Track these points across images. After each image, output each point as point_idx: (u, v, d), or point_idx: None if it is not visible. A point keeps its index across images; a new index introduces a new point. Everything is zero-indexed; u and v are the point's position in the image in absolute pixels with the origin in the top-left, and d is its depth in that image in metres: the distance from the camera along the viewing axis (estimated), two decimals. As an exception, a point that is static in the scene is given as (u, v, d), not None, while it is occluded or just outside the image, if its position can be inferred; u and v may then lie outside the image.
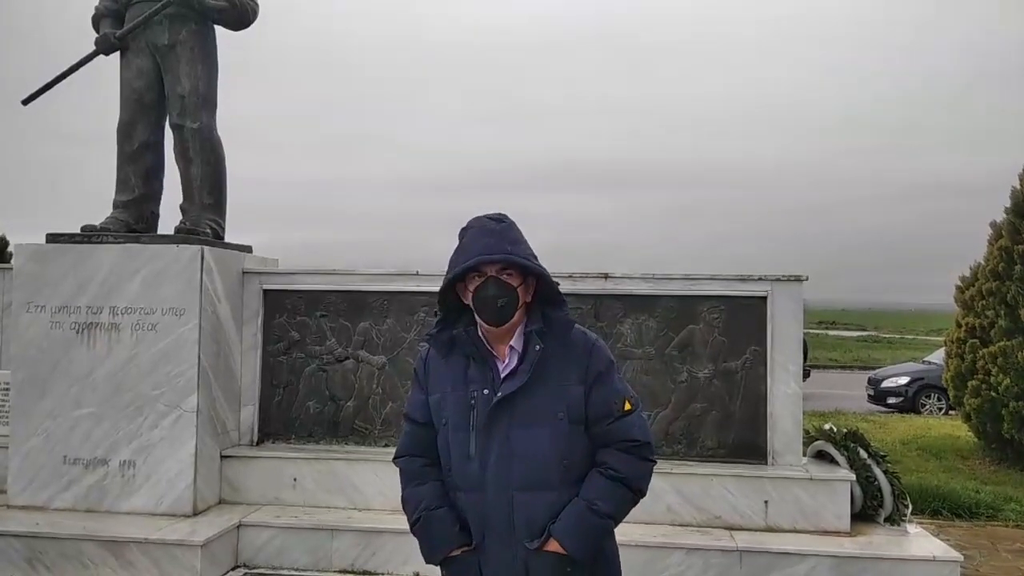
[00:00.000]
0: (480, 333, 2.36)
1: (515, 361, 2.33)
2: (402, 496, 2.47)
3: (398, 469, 2.51)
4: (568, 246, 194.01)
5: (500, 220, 2.36)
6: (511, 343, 2.35)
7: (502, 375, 2.32)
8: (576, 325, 2.41)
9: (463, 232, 2.36)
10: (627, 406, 2.35)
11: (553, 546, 2.24)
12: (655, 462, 2.40)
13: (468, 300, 2.33)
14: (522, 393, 2.27)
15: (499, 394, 2.27)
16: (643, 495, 2.37)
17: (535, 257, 2.34)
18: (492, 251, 2.26)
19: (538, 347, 2.29)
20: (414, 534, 2.40)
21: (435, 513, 2.35)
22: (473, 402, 2.30)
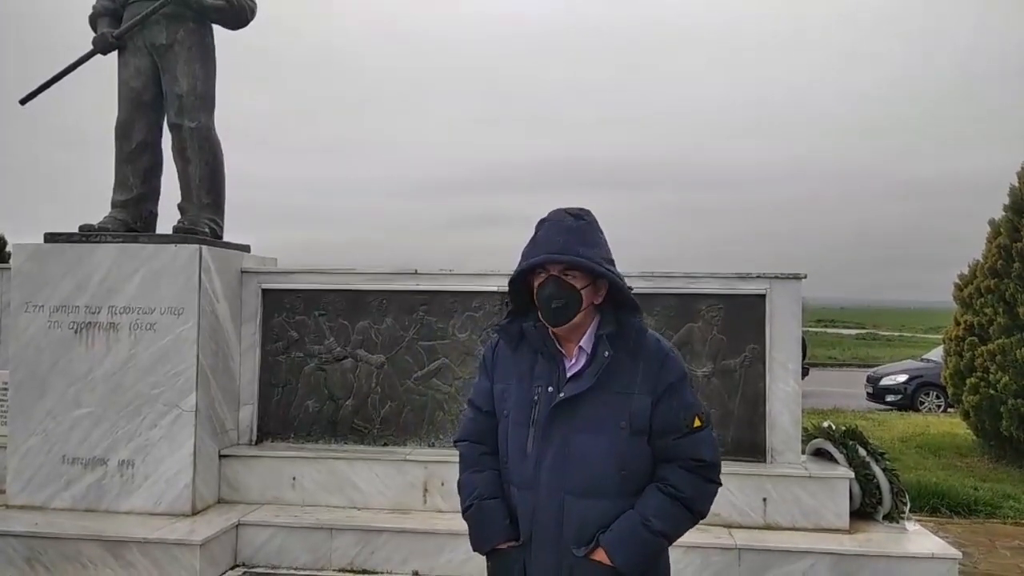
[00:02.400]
0: (550, 330, 2.31)
1: (582, 362, 2.27)
2: (458, 480, 2.45)
3: (458, 452, 2.48)
4: None
5: (579, 217, 2.28)
6: (580, 343, 2.29)
7: (568, 375, 2.27)
8: (650, 332, 2.34)
9: (540, 224, 2.30)
10: (697, 422, 2.25)
11: (600, 555, 2.18)
12: (720, 484, 2.31)
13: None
14: (585, 397, 2.21)
15: (562, 395, 2.23)
16: (703, 517, 2.29)
17: (609, 260, 2.26)
18: (560, 250, 2.19)
19: (607, 353, 2.23)
20: (465, 520, 2.39)
21: (487, 503, 2.33)
22: (536, 398, 2.26)
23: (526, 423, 2.26)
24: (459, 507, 2.45)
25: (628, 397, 2.23)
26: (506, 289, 2.37)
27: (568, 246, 2.20)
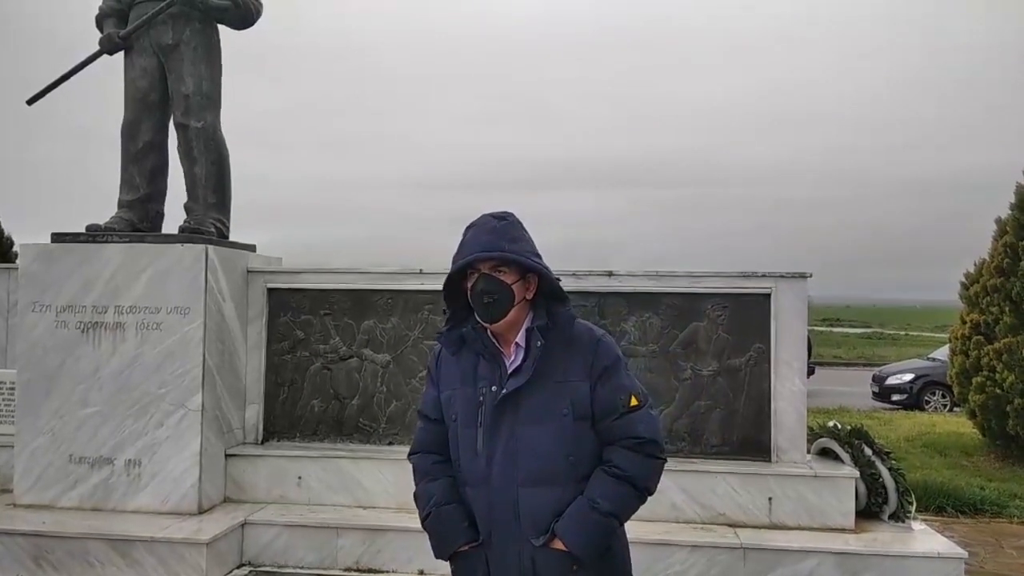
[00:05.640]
0: (489, 330, 2.37)
1: (520, 358, 2.34)
2: (414, 492, 2.49)
3: (411, 465, 2.52)
4: (577, 243, 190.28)
5: (502, 218, 2.37)
6: (516, 340, 2.36)
7: (508, 371, 2.33)
8: (579, 320, 2.42)
9: (466, 230, 2.38)
10: (633, 401, 2.32)
11: (559, 544, 2.24)
12: (664, 459, 2.37)
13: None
14: (526, 390, 2.28)
15: (504, 391, 2.29)
16: (651, 493, 2.35)
17: (536, 255, 2.34)
18: (487, 248, 2.28)
19: (539, 343, 2.30)
20: (424, 529, 2.42)
21: (445, 509, 2.37)
22: (481, 399, 2.32)
23: (473, 424, 2.33)
24: None
25: (568, 385, 2.30)
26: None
27: (494, 244, 2.28)
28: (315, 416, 5.70)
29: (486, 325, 2.35)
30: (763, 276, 5.32)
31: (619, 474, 2.28)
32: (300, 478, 5.44)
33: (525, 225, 2.41)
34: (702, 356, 5.36)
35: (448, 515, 2.36)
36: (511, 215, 2.40)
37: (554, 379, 2.30)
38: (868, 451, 5.35)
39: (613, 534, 2.33)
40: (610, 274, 5.42)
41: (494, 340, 2.37)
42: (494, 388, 2.31)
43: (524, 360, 2.32)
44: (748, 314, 5.32)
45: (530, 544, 2.26)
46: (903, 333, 42.87)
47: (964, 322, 9.29)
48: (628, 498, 2.30)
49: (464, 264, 2.29)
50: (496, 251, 2.27)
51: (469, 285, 2.33)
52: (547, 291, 2.37)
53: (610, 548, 2.34)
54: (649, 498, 2.37)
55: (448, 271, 2.36)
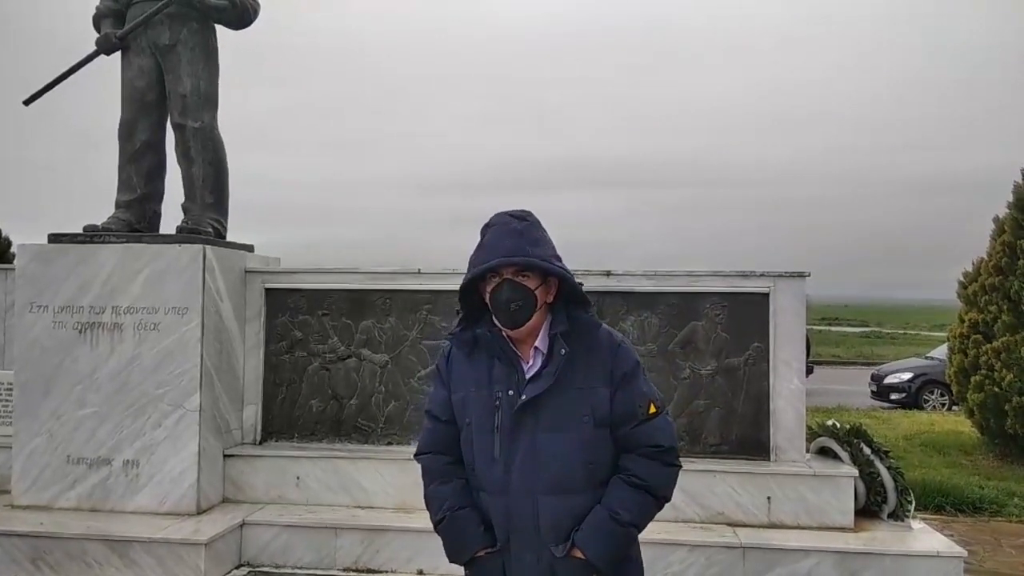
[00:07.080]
0: (505, 333, 2.31)
1: (539, 362, 2.28)
2: (425, 494, 2.44)
3: (420, 466, 2.47)
4: (576, 243, 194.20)
5: (523, 218, 2.31)
6: (536, 344, 2.31)
7: (527, 376, 2.28)
8: (603, 325, 2.37)
9: (485, 229, 2.32)
10: (652, 409, 2.29)
11: (579, 553, 2.21)
12: (680, 467, 2.35)
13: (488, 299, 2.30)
14: (547, 396, 2.23)
15: (524, 397, 2.24)
16: (668, 501, 2.33)
17: (557, 258, 2.29)
18: (511, 253, 2.21)
19: (564, 351, 2.25)
20: (438, 533, 2.38)
21: (460, 513, 2.33)
22: (498, 403, 2.27)
23: (490, 429, 2.27)
24: None
25: (589, 391, 2.26)
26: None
27: (518, 248, 2.22)
28: (313, 416, 5.70)
29: (506, 330, 2.29)
30: (761, 275, 5.32)
31: (638, 483, 2.25)
32: (298, 478, 5.43)
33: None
34: (701, 355, 5.36)
35: (463, 520, 2.32)
36: (530, 214, 2.33)
37: (575, 385, 2.25)
38: (867, 450, 5.35)
39: (633, 543, 2.32)
40: (608, 274, 5.42)
41: (510, 343, 2.32)
42: (511, 392, 2.26)
43: (544, 366, 2.27)
44: (747, 313, 5.32)
45: (549, 552, 2.22)
46: (902, 332, 42.87)
47: (963, 321, 9.30)
48: (647, 507, 2.28)
49: (488, 269, 2.23)
50: (520, 256, 2.21)
51: (490, 289, 2.26)
52: (567, 294, 2.31)
53: (627, 555, 2.32)
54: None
55: (452, 271, 2.32)
